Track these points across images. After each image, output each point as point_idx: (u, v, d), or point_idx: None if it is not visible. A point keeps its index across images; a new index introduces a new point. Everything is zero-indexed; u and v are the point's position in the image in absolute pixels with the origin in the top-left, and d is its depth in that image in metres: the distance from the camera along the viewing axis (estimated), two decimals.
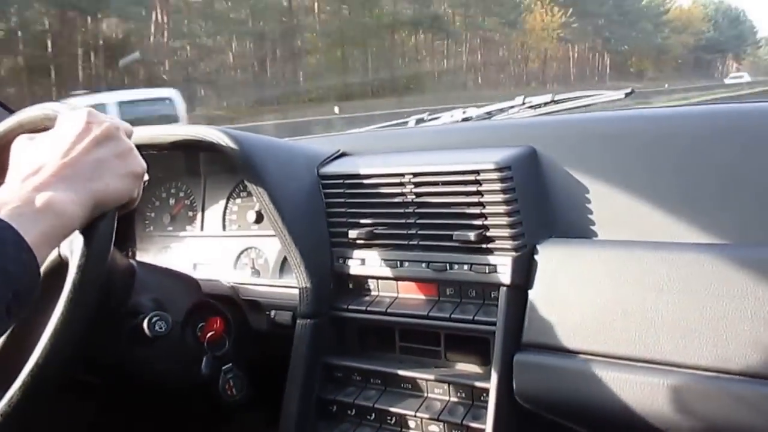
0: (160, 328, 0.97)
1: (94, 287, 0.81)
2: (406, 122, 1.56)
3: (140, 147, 0.84)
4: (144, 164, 0.83)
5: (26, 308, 0.68)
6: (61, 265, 0.91)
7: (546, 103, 1.39)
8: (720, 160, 0.90)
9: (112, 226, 0.81)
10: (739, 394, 0.77)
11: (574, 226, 0.96)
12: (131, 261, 1.06)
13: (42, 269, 0.94)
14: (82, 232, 0.80)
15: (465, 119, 1.47)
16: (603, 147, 0.99)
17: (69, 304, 0.80)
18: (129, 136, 0.84)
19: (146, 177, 0.85)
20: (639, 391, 0.83)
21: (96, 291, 0.82)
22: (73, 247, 0.85)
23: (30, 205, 0.68)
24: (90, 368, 1.00)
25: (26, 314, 0.69)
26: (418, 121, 1.53)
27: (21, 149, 0.79)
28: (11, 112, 1.41)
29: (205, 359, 1.05)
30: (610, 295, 0.86)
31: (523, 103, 1.43)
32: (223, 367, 1.07)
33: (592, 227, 0.95)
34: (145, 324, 0.97)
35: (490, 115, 1.47)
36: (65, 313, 0.80)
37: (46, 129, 0.85)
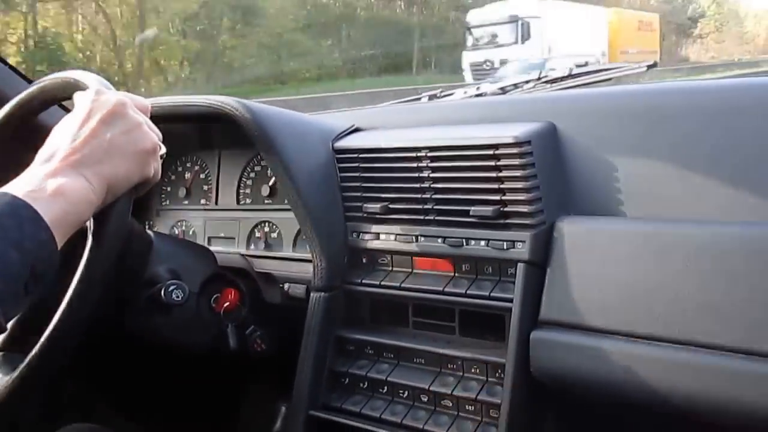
0: (177, 297, 1.00)
1: (109, 263, 0.82)
2: (419, 98, 1.54)
3: (154, 119, 0.83)
4: (155, 139, 0.81)
5: (43, 286, 0.68)
6: (79, 234, 0.92)
7: (563, 78, 1.37)
8: (744, 135, 0.88)
9: (129, 204, 0.82)
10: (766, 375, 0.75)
11: (594, 203, 0.95)
12: (148, 232, 1.07)
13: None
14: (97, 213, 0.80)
15: (479, 95, 1.46)
16: (624, 122, 0.97)
17: (86, 275, 0.81)
18: (143, 110, 0.82)
19: (163, 151, 0.84)
20: (660, 371, 0.82)
21: (111, 265, 0.83)
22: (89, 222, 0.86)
23: (42, 192, 0.68)
24: (113, 334, 1.03)
25: (43, 291, 0.68)
26: (431, 98, 1.52)
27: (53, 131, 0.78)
28: (30, 81, 1.41)
29: (230, 331, 1.08)
30: (631, 273, 0.85)
31: (539, 78, 1.41)
32: (246, 332, 1.12)
33: (612, 205, 0.94)
34: (162, 292, 0.99)
35: (504, 90, 1.45)
36: (82, 284, 0.81)
37: (66, 98, 0.83)
